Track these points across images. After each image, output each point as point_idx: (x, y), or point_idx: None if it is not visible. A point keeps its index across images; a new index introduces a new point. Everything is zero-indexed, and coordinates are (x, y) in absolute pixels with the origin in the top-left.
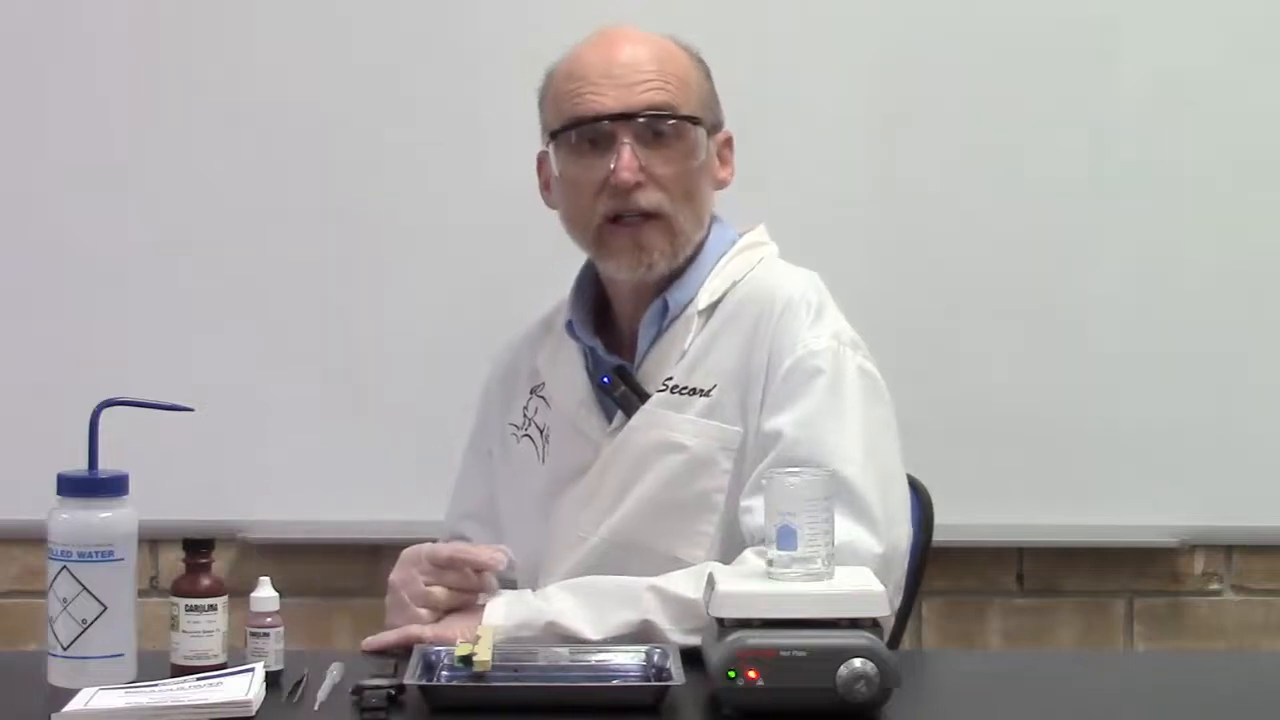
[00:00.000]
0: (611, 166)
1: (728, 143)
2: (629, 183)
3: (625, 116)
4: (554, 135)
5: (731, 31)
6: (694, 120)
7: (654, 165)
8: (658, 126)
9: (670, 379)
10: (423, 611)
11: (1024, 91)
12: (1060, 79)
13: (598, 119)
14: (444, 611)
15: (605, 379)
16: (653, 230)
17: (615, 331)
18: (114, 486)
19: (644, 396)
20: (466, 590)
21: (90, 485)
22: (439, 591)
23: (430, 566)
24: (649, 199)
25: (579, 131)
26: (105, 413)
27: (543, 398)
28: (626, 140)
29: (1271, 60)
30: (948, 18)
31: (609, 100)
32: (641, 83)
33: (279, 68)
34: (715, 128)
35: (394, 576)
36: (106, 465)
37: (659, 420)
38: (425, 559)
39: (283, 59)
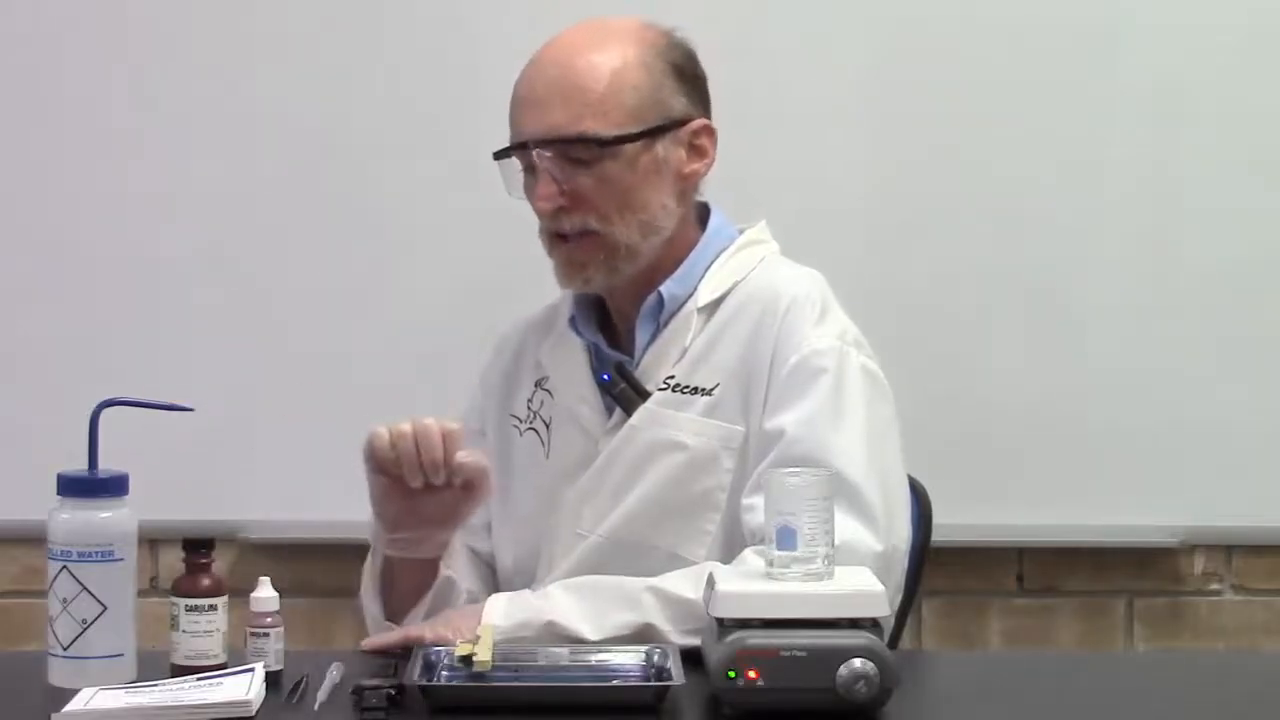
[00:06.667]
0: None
1: (701, 132)
2: (546, 211)
3: (532, 145)
4: (501, 154)
5: (727, 26)
6: (617, 140)
7: (580, 186)
8: (570, 153)
9: (672, 377)
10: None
11: (1024, 91)
12: (1060, 79)
13: (516, 148)
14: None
15: (605, 376)
16: (584, 247)
17: (615, 327)
18: (114, 486)
19: (643, 394)
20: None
21: (90, 485)
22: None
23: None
24: (573, 221)
25: (513, 156)
26: (105, 413)
27: (547, 390)
28: (546, 167)
29: (1271, 60)
30: (948, 16)
31: (527, 127)
32: (561, 106)
33: (277, 66)
34: (679, 123)
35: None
36: (106, 465)
37: (661, 419)
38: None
39: (281, 57)
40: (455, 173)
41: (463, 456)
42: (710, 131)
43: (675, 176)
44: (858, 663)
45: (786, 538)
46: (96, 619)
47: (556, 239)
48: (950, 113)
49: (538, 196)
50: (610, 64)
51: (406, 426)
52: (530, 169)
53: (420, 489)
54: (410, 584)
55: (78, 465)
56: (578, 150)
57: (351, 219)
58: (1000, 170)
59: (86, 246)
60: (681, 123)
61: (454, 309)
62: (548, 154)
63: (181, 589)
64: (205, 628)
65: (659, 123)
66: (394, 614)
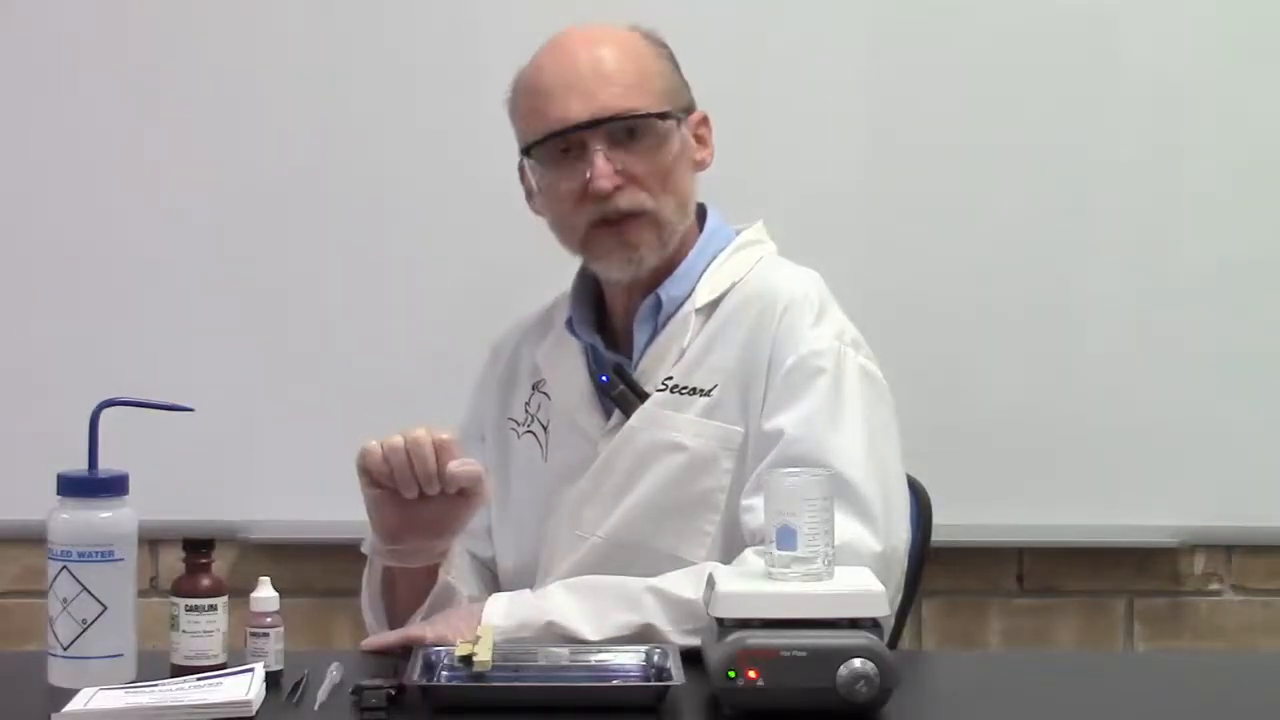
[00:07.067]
0: (588, 175)
1: (703, 122)
2: (606, 190)
3: (592, 124)
4: (527, 150)
5: (726, 26)
6: (661, 115)
7: (629, 165)
8: (626, 128)
9: (670, 378)
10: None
11: (1023, 89)
12: (1060, 78)
13: (564, 131)
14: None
15: (604, 377)
16: (637, 227)
17: (613, 329)
18: (114, 486)
19: (642, 395)
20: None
21: (90, 485)
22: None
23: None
24: (629, 200)
25: (551, 144)
26: (105, 413)
27: (545, 394)
28: (598, 147)
29: (1271, 60)
30: (947, 14)
31: (573, 110)
32: (603, 88)
33: (277, 66)
34: (687, 111)
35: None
36: (106, 465)
37: (659, 420)
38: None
39: (281, 57)
40: (457, 173)
41: (455, 466)
42: (709, 123)
43: (692, 162)
44: (858, 663)
45: (786, 538)
46: (96, 619)
47: (601, 225)
48: (950, 113)
49: (598, 175)
50: (635, 50)
51: (398, 439)
52: (559, 159)
53: (415, 499)
54: (412, 593)
55: (78, 465)
56: (628, 127)
57: (352, 219)
58: (1000, 170)
59: (87, 246)
60: (690, 111)
61: (455, 309)
62: (601, 133)
63: (181, 589)
64: (205, 628)
65: (684, 105)
66: (396, 624)
